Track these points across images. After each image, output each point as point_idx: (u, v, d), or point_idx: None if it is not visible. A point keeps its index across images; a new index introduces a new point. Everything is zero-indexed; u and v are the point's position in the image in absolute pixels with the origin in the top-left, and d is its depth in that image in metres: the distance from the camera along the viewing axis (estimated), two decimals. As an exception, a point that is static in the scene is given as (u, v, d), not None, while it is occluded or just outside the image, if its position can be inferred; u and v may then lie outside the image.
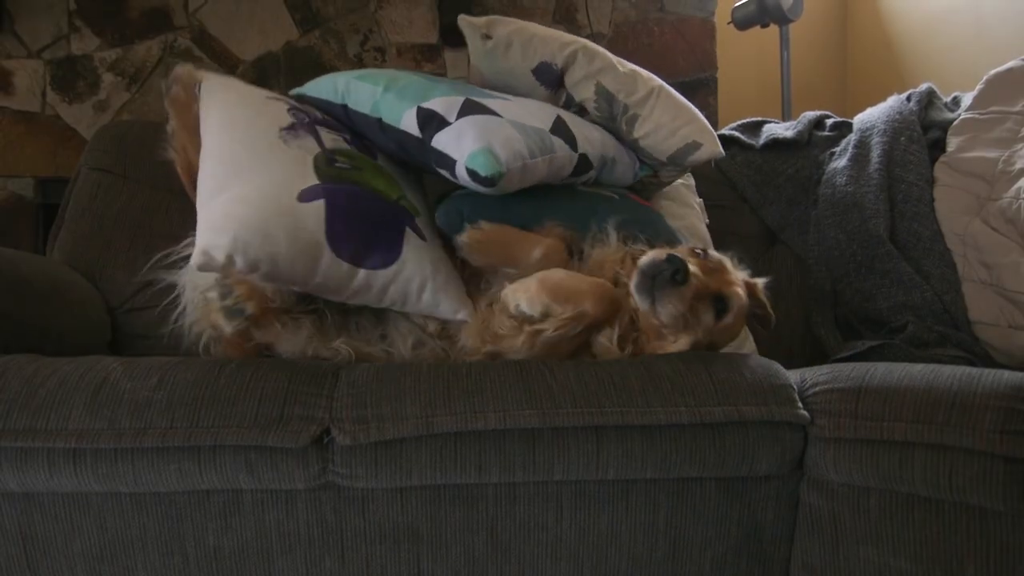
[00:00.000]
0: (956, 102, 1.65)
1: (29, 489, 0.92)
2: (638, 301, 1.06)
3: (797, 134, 1.74)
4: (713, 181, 1.77)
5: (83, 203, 1.63)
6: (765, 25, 2.26)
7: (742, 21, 2.26)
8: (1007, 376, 0.86)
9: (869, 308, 1.44)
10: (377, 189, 1.18)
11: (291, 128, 1.21)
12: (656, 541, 0.98)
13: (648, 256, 1.07)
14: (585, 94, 1.43)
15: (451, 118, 1.20)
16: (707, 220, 1.63)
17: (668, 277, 1.02)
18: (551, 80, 1.44)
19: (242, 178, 1.10)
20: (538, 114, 1.33)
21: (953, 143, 1.51)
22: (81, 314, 1.39)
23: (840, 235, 1.53)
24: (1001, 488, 0.82)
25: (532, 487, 0.96)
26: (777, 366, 1.02)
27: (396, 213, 1.16)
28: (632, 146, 1.45)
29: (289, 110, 1.28)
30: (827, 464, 0.95)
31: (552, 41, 1.44)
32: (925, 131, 1.58)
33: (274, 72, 2.19)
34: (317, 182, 1.11)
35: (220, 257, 0.98)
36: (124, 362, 0.98)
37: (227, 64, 2.18)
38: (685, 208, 1.62)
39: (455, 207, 1.24)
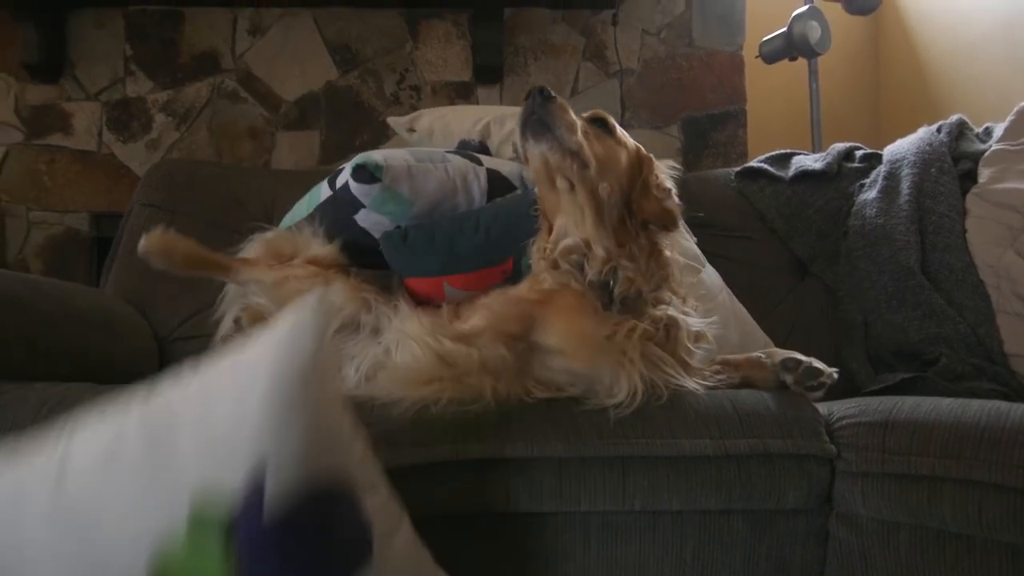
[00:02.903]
0: (988, 132, 1.64)
1: (82, 510, 0.97)
2: (542, 151, 1.04)
3: (826, 166, 1.75)
4: (742, 213, 1.78)
5: (135, 237, 1.71)
6: (793, 59, 2.28)
7: (770, 55, 2.29)
8: (1037, 411, 0.86)
9: (901, 340, 1.43)
10: None
11: None
12: (683, 573, 0.99)
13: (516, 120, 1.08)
14: (507, 153, 1.62)
15: (346, 164, 1.41)
16: (694, 238, 1.64)
17: (540, 100, 1.03)
18: (475, 150, 1.62)
19: None
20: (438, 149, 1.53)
21: (984, 174, 1.50)
22: (132, 344, 1.47)
23: (871, 267, 1.52)
24: (1033, 525, 0.81)
25: (560, 516, 0.98)
26: (803, 398, 1.02)
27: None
28: None
29: None
30: (855, 498, 0.94)
31: (466, 120, 1.68)
32: (956, 162, 1.57)
33: (314, 110, 2.29)
34: None
35: None
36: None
37: (270, 103, 2.28)
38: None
39: (396, 228, 1.38)
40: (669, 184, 1.15)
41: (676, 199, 1.14)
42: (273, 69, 2.29)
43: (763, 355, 1.10)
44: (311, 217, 1.46)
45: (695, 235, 1.65)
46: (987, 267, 1.40)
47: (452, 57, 2.31)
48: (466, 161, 1.47)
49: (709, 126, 2.37)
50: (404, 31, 2.31)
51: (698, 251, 1.58)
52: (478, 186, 1.44)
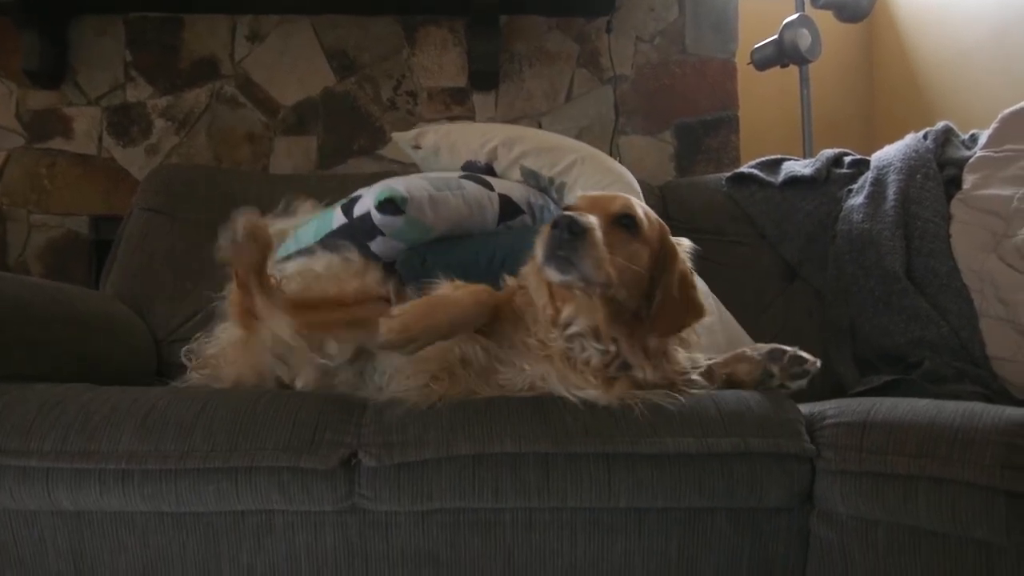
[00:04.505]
0: (974, 139, 1.67)
1: (81, 508, 1.00)
2: (564, 280, 0.98)
3: (815, 171, 1.78)
4: (733, 218, 1.81)
5: (134, 241, 1.75)
6: (784, 65, 2.31)
7: (761, 62, 2.32)
8: (1009, 412, 0.88)
9: (887, 343, 1.45)
10: None
11: None
12: (669, 571, 1.01)
13: (538, 244, 1.01)
14: (514, 176, 1.63)
15: (363, 192, 1.44)
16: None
17: (569, 237, 0.94)
18: (480, 171, 1.64)
19: None
20: (449, 173, 1.56)
21: (968, 180, 1.53)
22: (131, 345, 1.49)
23: (857, 271, 1.55)
24: (1004, 523, 0.83)
25: (548, 514, 1.00)
26: (785, 399, 1.05)
27: None
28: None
29: None
30: (835, 497, 0.97)
31: (472, 140, 1.68)
32: (942, 168, 1.60)
33: (312, 116, 2.31)
34: None
35: None
36: (170, 391, 1.06)
37: (268, 109, 2.31)
38: None
39: (416, 253, 1.39)
40: (693, 278, 1.11)
41: (697, 291, 1.09)
42: (271, 75, 2.32)
43: (748, 349, 1.14)
44: (321, 244, 1.45)
45: (687, 238, 1.67)
46: (971, 272, 1.43)
47: (448, 64, 2.34)
48: (480, 187, 1.50)
49: (702, 132, 2.40)
50: (401, 38, 2.33)
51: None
52: (491, 211, 1.49)
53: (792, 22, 2.24)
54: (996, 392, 1.31)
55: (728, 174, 1.88)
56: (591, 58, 2.37)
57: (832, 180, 1.77)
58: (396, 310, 1.01)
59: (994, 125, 1.58)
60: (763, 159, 1.90)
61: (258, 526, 1.00)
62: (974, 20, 2.35)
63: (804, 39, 2.20)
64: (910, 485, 0.89)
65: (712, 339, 1.50)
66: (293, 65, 2.32)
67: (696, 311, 1.07)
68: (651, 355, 1.03)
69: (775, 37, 2.26)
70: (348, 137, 2.32)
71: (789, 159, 1.89)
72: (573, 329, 1.03)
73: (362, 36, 2.33)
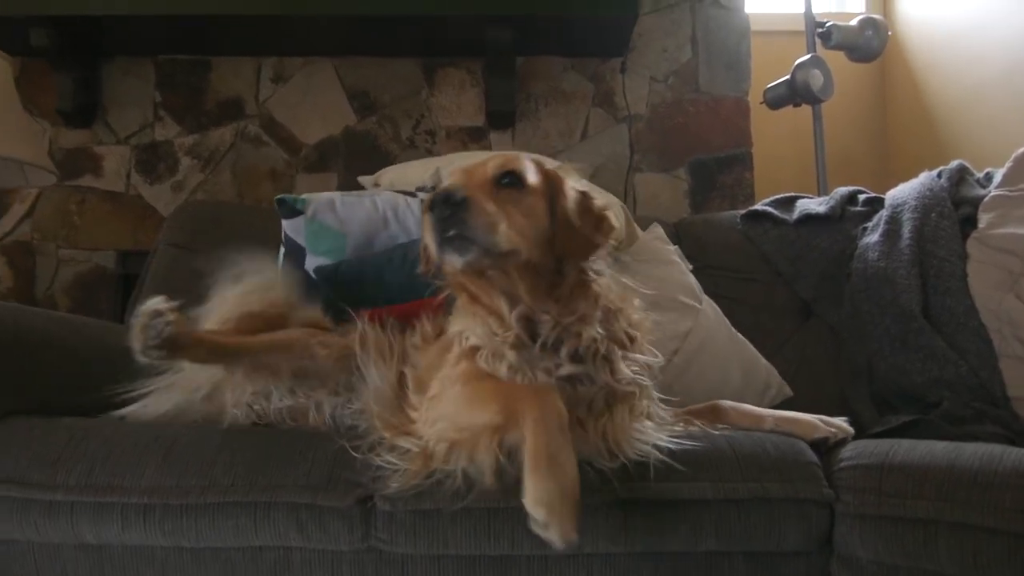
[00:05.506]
0: (988, 178, 1.67)
1: (103, 542, 1.01)
2: (468, 261, 0.89)
3: (830, 209, 1.79)
4: (747, 255, 1.82)
5: (160, 276, 1.78)
6: (797, 105, 2.34)
7: (774, 101, 2.35)
8: (1029, 456, 0.87)
9: (904, 383, 1.44)
10: None
11: None
12: (686, 613, 1.00)
13: (425, 236, 0.94)
14: None
15: None
16: (690, 267, 1.67)
17: (451, 212, 0.86)
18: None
19: None
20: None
21: (984, 219, 1.53)
22: (153, 379, 1.51)
23: (873, 309, 1.55)
24: (1026, 569, 0.82)
25: (564, 557, 1.00)
26: (801, 443, 1.04)
27: None
28: None
29: None
30: (855, 541, 0.96)
31: (422, 169, 1.82)
32: (957, 207, 1.60)
33: (333, 154, 2.37)
34: None
35: None
36: (193, 427, 1.08)
37: (291, 147, 2.37)
38: (666, 266, 1.67)
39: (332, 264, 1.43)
40: (579, 189, 1.02)
41: (597, 204, 1.01)
42: (295, 114, 2.39)
43: (771, 418, 1.12)
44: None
45: (701, 276, 1.69)
46: (988, 311, 1.42)
47: (466, 103, 2.40)
48: (396, 195, 1.55)
49: (716, 169, 2.42)
50: (420, 78, 2.40)
51: (694, 285, 1.61)
52: (412, 216, 1.50)
53: (804, 63, 2.27)
54: (1017, 433, 1.29)
55: (743, 211, 1.90)
56: (606, 98, 2.42)
57: (847, 218, 1.77)
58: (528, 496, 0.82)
59: (1008, 164, 1.58)
60: (778, 197, 1.91)
61: (275, 562, 1.01)
62: (985, 59, 2.37)
63: (816, 79, 2.23)
64: (930, 530, 0.88)
65: (725, 374, 1.51)
66: (315, 105, 2.39)
67: (603, 226, 0.99)
68: (576, 301, 0.97)
69: (787, 77, 2.30)
70: (367, 174, 2.36)
71: (804, 197, 1.90)
72: (516, 315, 0.95)
73: (383, 77, 2.40)
